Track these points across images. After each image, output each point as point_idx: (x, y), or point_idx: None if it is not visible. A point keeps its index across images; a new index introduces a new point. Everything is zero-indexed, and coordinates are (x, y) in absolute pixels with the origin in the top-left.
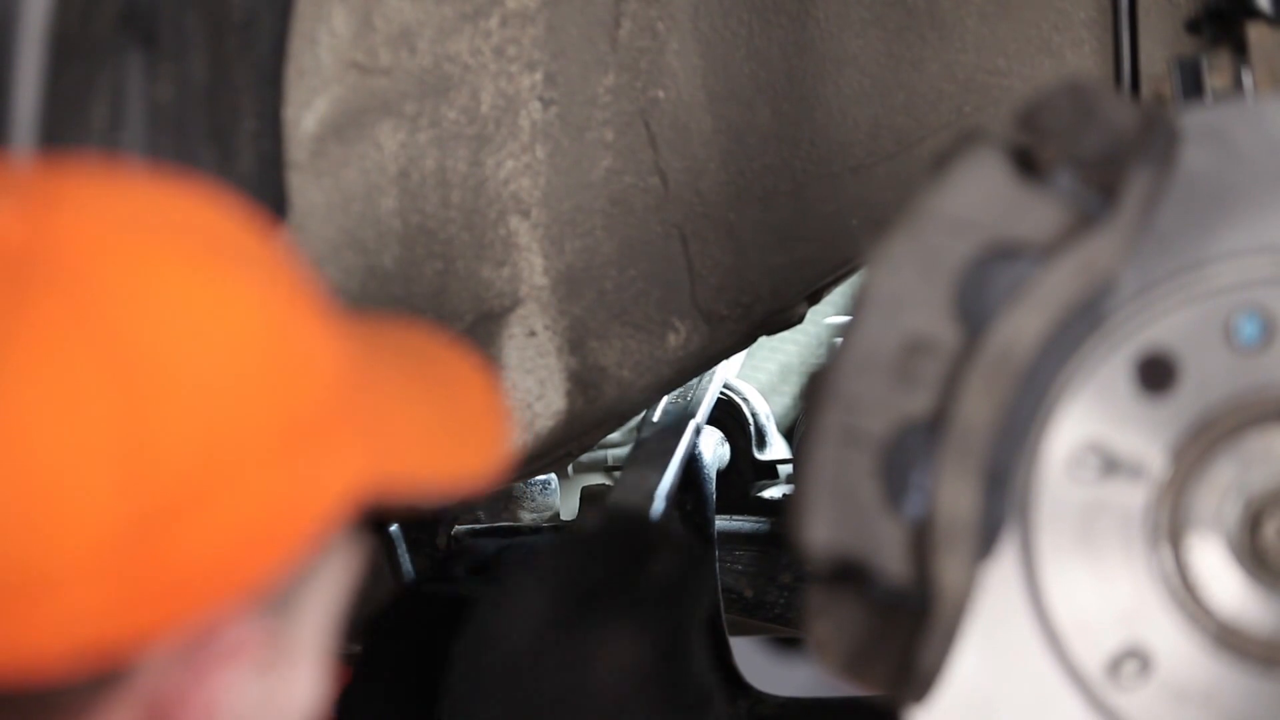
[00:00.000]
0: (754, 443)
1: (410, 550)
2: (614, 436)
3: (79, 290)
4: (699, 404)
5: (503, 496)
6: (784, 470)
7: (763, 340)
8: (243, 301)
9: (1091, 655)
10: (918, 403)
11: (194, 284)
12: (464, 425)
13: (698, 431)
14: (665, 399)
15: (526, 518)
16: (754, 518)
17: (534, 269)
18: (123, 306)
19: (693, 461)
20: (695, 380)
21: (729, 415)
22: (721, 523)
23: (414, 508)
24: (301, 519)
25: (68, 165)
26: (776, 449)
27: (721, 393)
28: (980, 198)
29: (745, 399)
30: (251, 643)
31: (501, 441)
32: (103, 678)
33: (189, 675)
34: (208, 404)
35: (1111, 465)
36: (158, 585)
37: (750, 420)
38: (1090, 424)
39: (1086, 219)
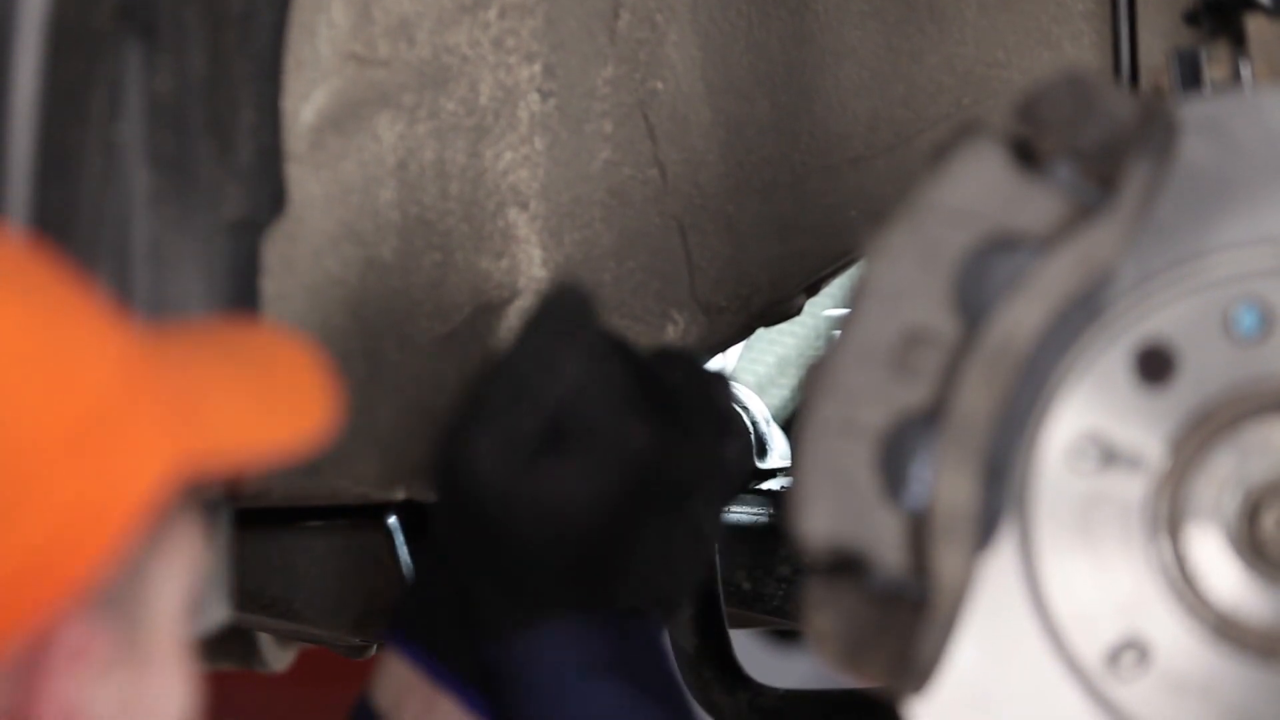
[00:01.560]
0: (754, 451)
1: (409, 542)
2: None
3: None
4: None
5: None
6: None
7: (761, 332)
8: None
9: (1090, 646)
10: (917, 394)
11: None
12: (279, 399)
13: None
14: None
15: None
16: (752, 509)
17: (533, 261)
18: None
19: None
20: None
21: None
22: None
23: (237, 481)
24: (113, 509)
25: None
26: (778, 454)
27: None
28: (979, 189)
29: (745, 405)
30: (93, 645)
31: (321, 410)
32: None
33: (32, 687)
34: None
35: (1110, 456)
36: None
37: (750, 428)
38: (1089, 415)
39: (1086, 210)
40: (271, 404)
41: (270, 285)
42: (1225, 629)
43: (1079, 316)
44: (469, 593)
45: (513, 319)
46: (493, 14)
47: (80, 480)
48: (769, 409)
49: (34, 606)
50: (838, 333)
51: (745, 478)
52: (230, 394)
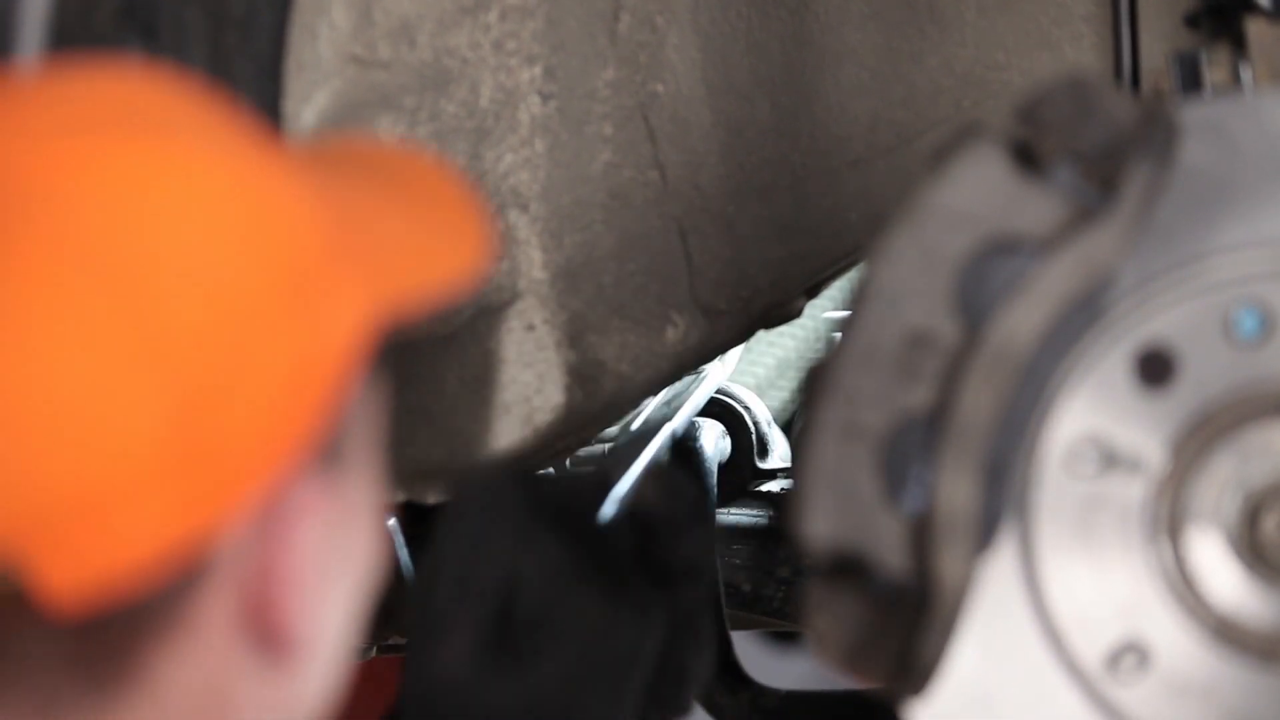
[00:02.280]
0: (755, 451)
1: (408, 544)
2: (612, 431)
3: (49, 214)
4: (677, 410)
5: None
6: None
7: (760, 334)
8: (208, 175)
9: (1090, 649)
10: (917, 397)
11: (156, 172)
12: (446, 229)
13: (680, 435)
14: (652, 403)
15: None
16: (752, 511)
17: (533, 263)
18: (95, 216)
19: (694, 455)
20: (685, 383)
21: (729, 414)
22: (720, 516)
23: (427, 320)
24: (329, 362)
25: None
26: (779, 455)
27: (723, 398)
28: (980, 192)
29: (747, 407)
30: (316, 500)
31: (485, 236)
32: (188, 576)
33: (268, 547)
34: (198, 281)
35: (1111, 459)
36: (217, 469)
37: (752, 428)
38: (1089, 418)
39: (1086, 213)
40: (439, 240)
41: None
42: (1225, 631)
43: (1079, 319)
44: None
45: (513, 321)
46: (493, 16)
47: (298, 337)
48: (769, 411)
49: (268, 466)
50: (839, 335)
51: (717, 612)
52: (403, 231)
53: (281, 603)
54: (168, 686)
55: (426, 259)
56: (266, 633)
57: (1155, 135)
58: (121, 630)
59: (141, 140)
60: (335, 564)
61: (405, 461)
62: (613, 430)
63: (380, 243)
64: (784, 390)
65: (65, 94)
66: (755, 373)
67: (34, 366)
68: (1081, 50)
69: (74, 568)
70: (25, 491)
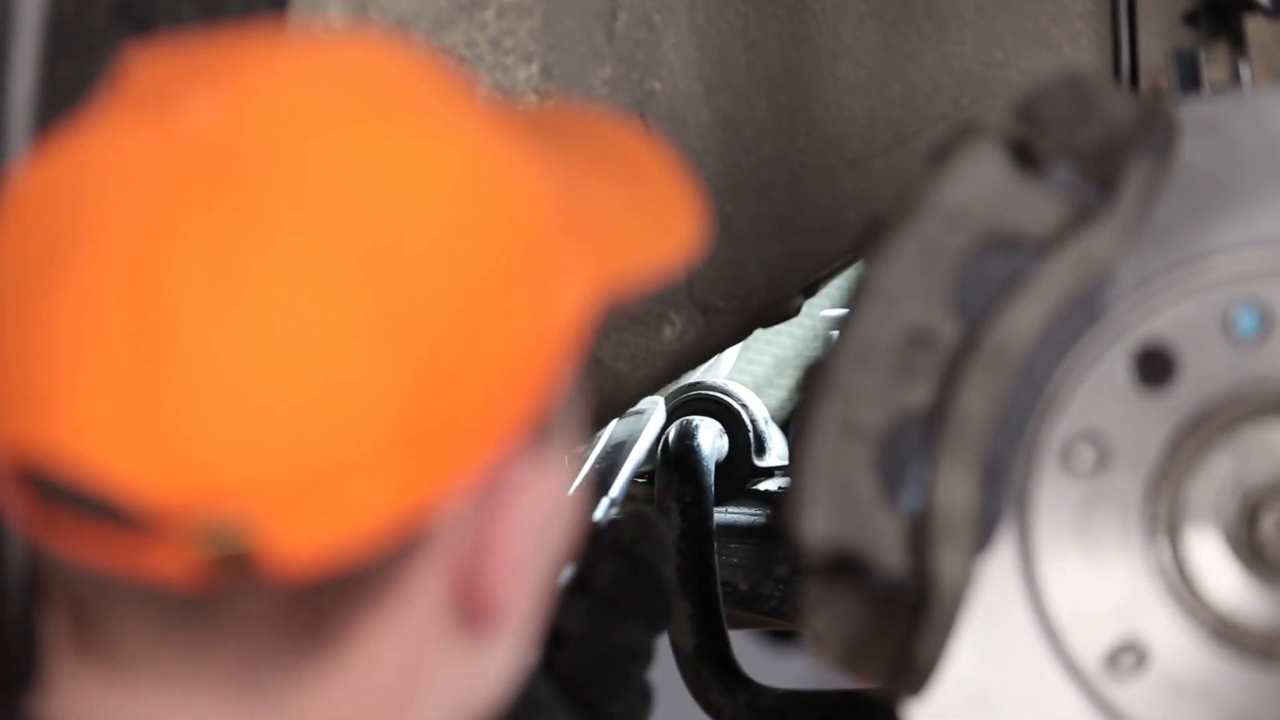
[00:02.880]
0: (753, 449)
1: None
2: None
3: (296, 182)
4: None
5: None
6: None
7: (758, 333)
8: (446, 145)
9: (1088, 648)
10: (916, 395)
11: (395, 141)
12: (660, 207)
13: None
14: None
15: None
16: (750, 510)
17: None
18: (340, 186)
19: (692, 454)
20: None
21: (726, 412)
22: (717, 515)
23: (640, 297)
24: (553, 341)
25: (244, 43)
26: (776, 453)
27: (720, 396)
28: (978, 190)
29: (745, 405)
30: (531, 479)
31: (697, 213)
32: (408, 547)
33: (485, 523)
34: (442, 253)
35: (1109, 458)
36: (446, 442)
37: (750, 427)
38: (1088, 416)
39: (1085, 211)
40: (654, 218)
41: None
42: (1224, 631)
43: (1078, 318)
44: None
45: None
46: (490, 14)
47: (530, 314)
48: (767, 409)
49: (495, 442)
50: (837, 333)
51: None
52: (619, 208)
53: (492, 578)
54: (371, 655)
55: (643, 237)
56: (473, 606)
57: (1154, 134)
58: (334, 597)
59: (385, 110)
60: (538, 543)
61: None
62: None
63: (599, 219)
64: (781, 388)
65: (308, 63)
66: (753, 371)
67: (278, 332)
68: (1080, 48)
69: (305, 534)
70: (264, 455)
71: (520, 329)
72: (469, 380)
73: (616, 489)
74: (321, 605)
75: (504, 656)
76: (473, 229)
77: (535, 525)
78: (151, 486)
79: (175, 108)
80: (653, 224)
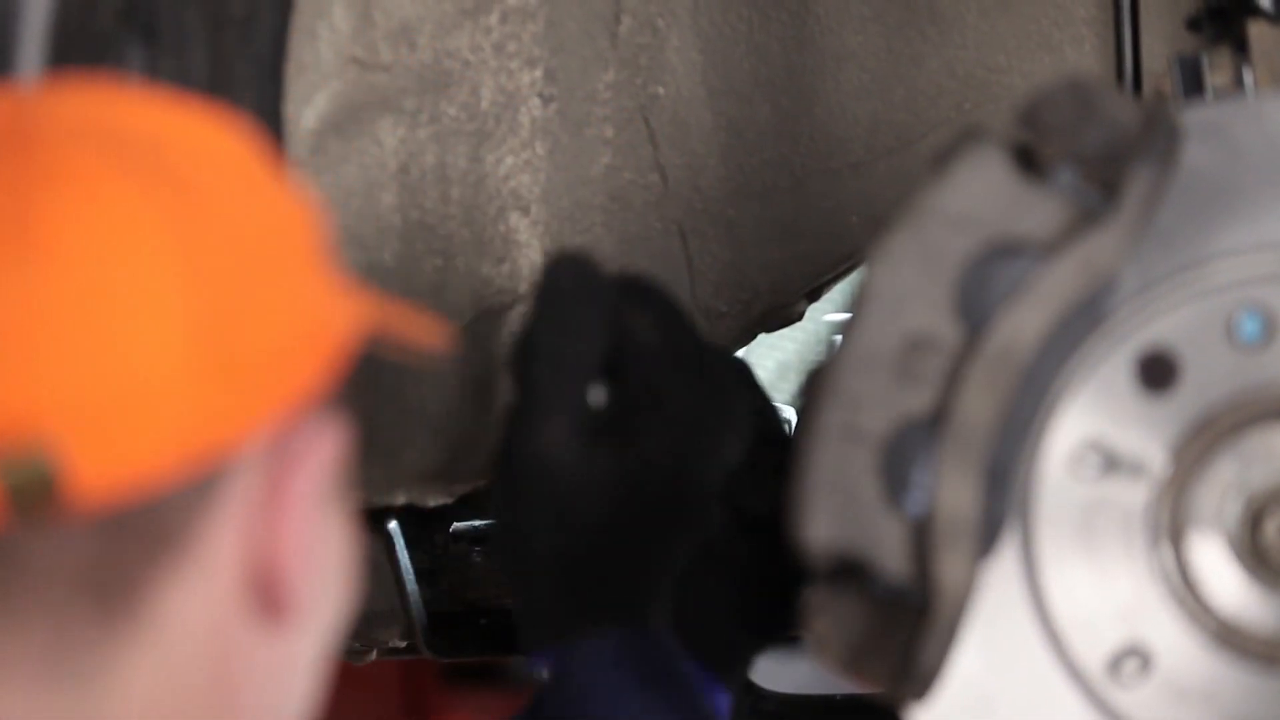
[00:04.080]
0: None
1: (409, 547)
2: None
3: (79, 120)
4: None
5: None
6: None
7: (761, 338)
8: (250, 142)
9: (1092, 653)
10: (919, 400)
11: (204, 122)
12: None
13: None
14: None
15: None
16: None
17: (534, 265)
18: (124, 120)
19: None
20: None
21: None
22: None
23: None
24: (333, 329)
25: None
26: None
27: None
28: (981, 194)
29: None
30: (315, 446)
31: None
32: (205, 489)
33: (279, 472)
34: (232, 197)
35: (1112, 463)
36: (241, 379)
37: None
38: (1091, 422)
39: (1088, 216)
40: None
41: None
42: (1227, 636)
43: (1081, 323)
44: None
45: (514, 324)
46: (494, 19)
47: (318, 293)
48: None
49: (284, 396)
50: (839, 338)
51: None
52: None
53: (281, 548)
54: (174, 622)
55: (405, 314)
56: (267, 587)
57: (1157, 138)
58: (133, 556)
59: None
60: (323, 526)
61: (405, 464)
62: None
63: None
64: (784, 394)
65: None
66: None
67: (71, 257)
68: (1083, 53)
69: (105, 459)
70: (64, 380)
71: (310, 301)
72: (262, 325)
73: None
74: (121, 564)
75: (306, 651)
76: (273, 203)
77: (319, 496)
78: None
79: None
80: (413, 316)
